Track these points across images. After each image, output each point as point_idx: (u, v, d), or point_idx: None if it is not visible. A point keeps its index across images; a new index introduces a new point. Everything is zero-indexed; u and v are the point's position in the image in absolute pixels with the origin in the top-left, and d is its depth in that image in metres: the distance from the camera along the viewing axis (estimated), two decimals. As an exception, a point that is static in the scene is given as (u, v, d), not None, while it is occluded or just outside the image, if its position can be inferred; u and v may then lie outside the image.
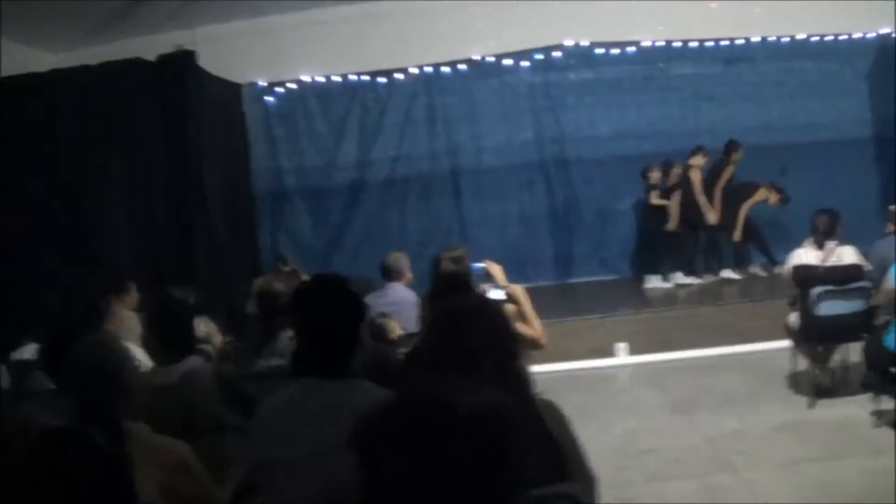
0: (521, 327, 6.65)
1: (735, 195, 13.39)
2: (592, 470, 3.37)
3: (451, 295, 4.84)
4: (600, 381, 10.49)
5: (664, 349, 11.00)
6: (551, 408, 3.32)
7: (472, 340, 3.15)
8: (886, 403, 7.88)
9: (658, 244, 13.39)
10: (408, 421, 2.00)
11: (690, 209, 13.31)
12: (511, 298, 6.96)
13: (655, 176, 13.25)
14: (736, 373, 10.15)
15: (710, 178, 13.51)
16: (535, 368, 9.23)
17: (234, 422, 4.59)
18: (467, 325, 3.21)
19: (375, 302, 7.24)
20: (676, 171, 13.32)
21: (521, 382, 3.24)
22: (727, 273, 13.42)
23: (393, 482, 1.96)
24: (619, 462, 7.53)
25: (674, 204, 13.20)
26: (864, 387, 8.19)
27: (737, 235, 13.38)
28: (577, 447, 3.35)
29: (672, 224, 13.18)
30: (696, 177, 13.31)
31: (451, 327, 3.25)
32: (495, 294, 6.89)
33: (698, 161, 13.45)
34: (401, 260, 8.17)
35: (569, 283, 14.30)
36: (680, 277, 13.34)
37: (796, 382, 9.11)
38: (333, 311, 3.67)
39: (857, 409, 8.23)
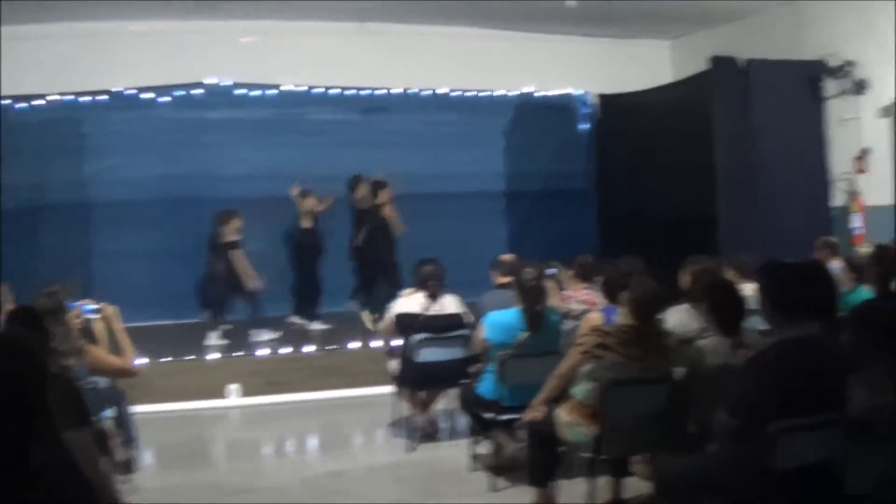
0: (109, 358, 6.56)
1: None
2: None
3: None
4: (210, 422, 10.33)
5: (276, 391, 10.99)
6: (80, 443, 3.18)
7: None
8: (484, 447, 8.10)
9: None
10: None
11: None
12: (104, 319, 6.87)
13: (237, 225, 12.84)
14: (345, 416, 10.34)
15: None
16: (148, 407, 9.14)
17: None
18: None
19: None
20: (236, 224, 12.72)
21: (48, 419, 3.08)
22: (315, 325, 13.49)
23: None
24: (211, 501, 7.44)
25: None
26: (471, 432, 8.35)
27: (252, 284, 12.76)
28: (108, 479, 3.28)
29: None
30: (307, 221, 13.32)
31: None
32: (88, 312, 6.80)
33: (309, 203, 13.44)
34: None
35: (190, 323, 13.95)
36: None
37: (399, 426, 9.24)
38: None
39: (456, 452, 8.40)
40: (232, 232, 12.55)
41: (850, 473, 4.74)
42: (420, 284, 8.77)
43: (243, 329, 12.72)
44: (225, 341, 12.29)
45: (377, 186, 13.63)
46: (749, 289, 6.86)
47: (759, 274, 5.43)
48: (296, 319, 13.61)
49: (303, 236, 13.45)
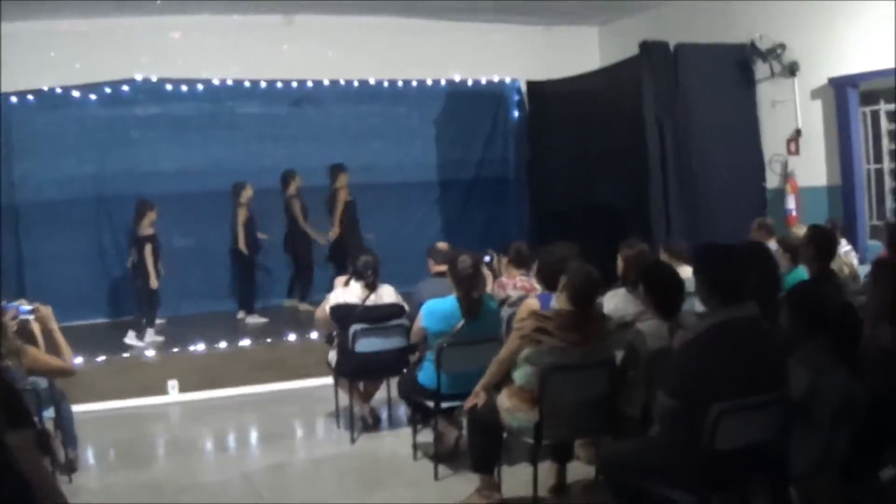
0: (46, 358, 6.50)
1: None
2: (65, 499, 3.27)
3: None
4: (149, 420, 10.18)
5: (215, 386, 10.92)
6: (22, 445, 3.13)
7: None
8: (426, 436, 8.09)
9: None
10: None
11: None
12: (39, 319, 6.82)
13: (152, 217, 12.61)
14: (284, 409, 10.24)
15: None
16: (86, 407, 9.03)
17: None
18: None
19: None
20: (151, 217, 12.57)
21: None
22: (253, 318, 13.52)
23: None
24: (154, 499, 7.41)
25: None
26: (412, 421, 8.35)
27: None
28: (48, 480, 3.23)
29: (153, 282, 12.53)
30: (242, 215, 13.38)
31: None
32: (23, 313, 6.75)
33: (247, 195, 13.47)
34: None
35: (125, 320, 13.73)
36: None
37: (339, 418, 9.22)
38: None
39: (398, 442, 8.46)
40: (147, 225, 12.46)
41: (791, 453, 4.81)
42: (357, 275, 8.72)
43: (173, 326, 12.78)
44: (160, 338, 12.17)
45: (338, 170, 13.99)
46: (686, 272, 6.92)
47: (697, 257, 5.46)
48: (241, 315, 13.61)
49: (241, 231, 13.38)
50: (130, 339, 12.15)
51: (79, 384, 8.59)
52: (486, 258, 9.36)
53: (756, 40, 12.92)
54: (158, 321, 12.64)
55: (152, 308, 12.57)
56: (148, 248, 12.36)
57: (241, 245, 13.32)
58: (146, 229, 12.39)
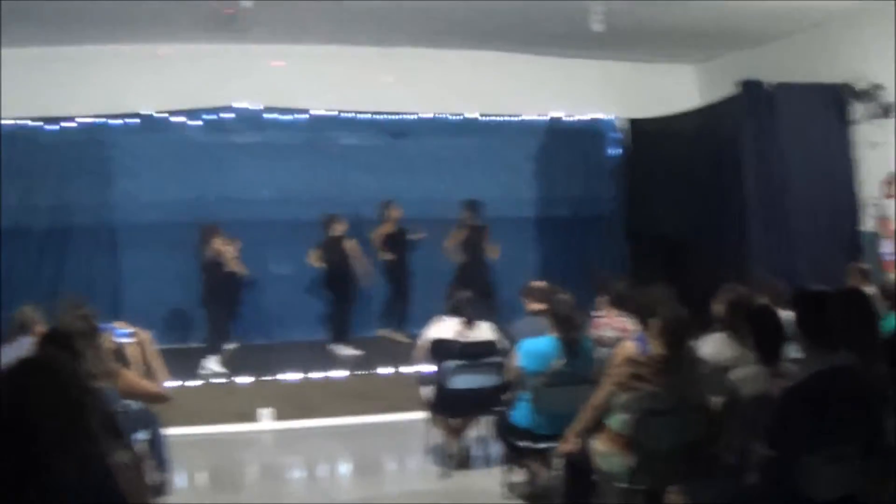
0: (142, 382, 6.60)
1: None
2: None
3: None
4: (240, 447, 10.30)
5: (306, 415, 10.96)
6: (121, 469, 3.17)
7: (22, 403, 2.99)
8: (519, 476, 8.07)
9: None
10: None
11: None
12: (138, 343, 6.93)
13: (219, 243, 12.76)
14: (376, 441, 10.30)
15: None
16: (178, 430, 9.13)
17: None
18: (17, 389, 3.06)
19: (8, 354, 6.97)
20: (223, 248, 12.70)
21: (91, 444, 3.07)
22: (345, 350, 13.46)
23: None
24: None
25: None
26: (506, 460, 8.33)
27: None
28: (146, 500, 3.26)
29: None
30: (351, 246, 13.40)
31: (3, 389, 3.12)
32: (121, 337, 6.86)
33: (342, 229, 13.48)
34: (31, 313, 7.81)
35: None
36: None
37: (432, 453, 9.23)
38: None
39: (490, 480, 8.41)
40: (212, 249, 12.54)
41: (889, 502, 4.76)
42: (455, 311, 8.76)
43: (266, 353, 12.95)
44: (224, 369, 12.01)
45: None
46: (786, 316, 6.85)
47: (796, 302, 5.41)
48: (333, 346, 13.58)
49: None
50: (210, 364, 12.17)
51: (171, 407, 8.68)
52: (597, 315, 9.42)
53: (852, 81, 12.78)
54: (230, 346, 12.79)
55: (220, 334, 12.67)
56: (212, 272, 12.54)
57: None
58: (210, 254, 12.52)
